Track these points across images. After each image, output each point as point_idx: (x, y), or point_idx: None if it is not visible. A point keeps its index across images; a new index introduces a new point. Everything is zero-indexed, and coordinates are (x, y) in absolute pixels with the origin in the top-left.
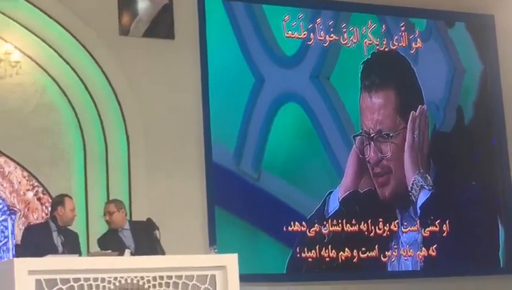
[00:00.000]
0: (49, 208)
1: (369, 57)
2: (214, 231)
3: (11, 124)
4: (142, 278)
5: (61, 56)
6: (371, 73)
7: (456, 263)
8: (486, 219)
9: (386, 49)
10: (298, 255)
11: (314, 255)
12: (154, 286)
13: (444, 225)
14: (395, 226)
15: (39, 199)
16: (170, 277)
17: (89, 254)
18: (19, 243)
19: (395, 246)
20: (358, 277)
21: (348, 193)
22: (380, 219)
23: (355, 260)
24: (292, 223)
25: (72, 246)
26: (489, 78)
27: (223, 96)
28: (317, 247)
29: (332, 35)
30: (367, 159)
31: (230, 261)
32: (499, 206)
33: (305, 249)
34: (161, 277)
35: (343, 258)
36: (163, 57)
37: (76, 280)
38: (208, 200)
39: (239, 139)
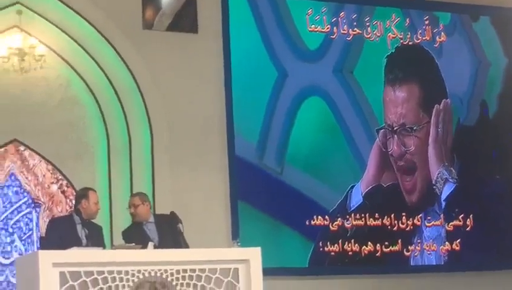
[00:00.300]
0: (73, 201)
1: (393, 51)
2: (236, 225)
3: (35, 118)
4: (166, 271)
5: (85, 50)
6: (395, 67)
7: (480, 257)
8: (510, 213)
9: (410, 43)
10: (321, 249)
11: (337, 249)
12: (177, 279)
13: (468, 219)
14: (419, 221)
15: (63, 192)
16: (193, 270)
17: (112, 246)
18: (43, 235)
19: (418, 241)
20: (381, 271)
21: (371, 187)
22: (403, 213)
23: (378, 254)
24: (315, 217)
25: (96, 239)
26: None
27: (246, 90)
28: (339, 241)
29: (355, 29)
30: (390, 152)
31: (254, 254)
32: None
33: (328, 243)
34: (184, 270)
35: (366, 252)
36: (187, 51)
37: (100, 272)
38: (230, 193)
39: (262, 133)
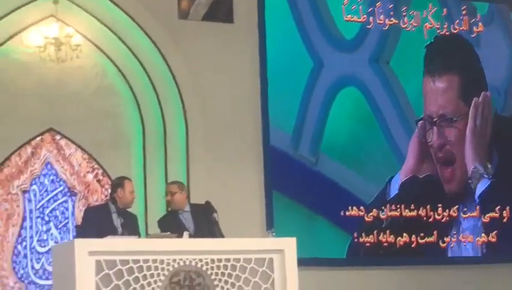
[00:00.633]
0: (109, 190)
1: (432, 40)
2: (271, 215)
3: (71, 107)
4: (201, 260)
5: (121, 39)
6: (434, 57)
7: None
8: None
9: (447, 33)
10: (356, 239)
11: (372, 240)
12: (212, 268)
13: (504, 211)
14: (455, 212)
15: (99, 181)
16: (228, 260)
17: (148, 235)
18: (79, 224)
19: (455, 232)
20: (416, 262)
21: (407, 177)
22: (440, 205)
23: (413, 245)
24: (350, 207)
25: (131, 227)
26: None
27: (282, 80)
28: (375, 232)
29: (392, 19)
30: (430, 143)
31: (289, 244)
32: None
33: (363, 234)
34: (219, 260)
35: (401, 243)
36: (222, 41)
37: (136, 261)
38: (265, 184)
39: (297, 123)
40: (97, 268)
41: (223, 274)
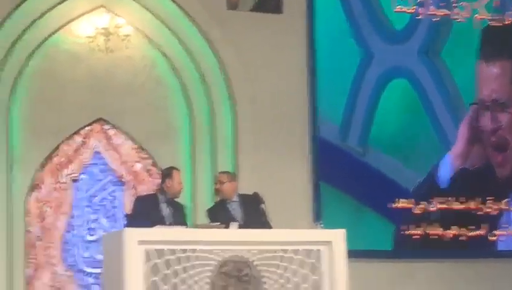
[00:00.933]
0: (157, 180)
1: (483, 30)
2: (319, 206)
3: (120, 97)
4: (249, 251)
5: (170, 30)
6: (489, 42)
7: None
8: None
9: (499, 24)
10: (403, 232)
11: (420, 233)
12: (259, 259)
13: None
14: (506, 205)
15: (147, 171)
16: (276, 251)
17: (196, 225)
18: (128, 213)
19: (505, 225)
20: (465, 255)
21: (457, 170)
22: (490, 197)
23: (462, 238)
24: (398, 199)
25: (179, 217)
26: None
27: (330, 71)
28: (423, 224)
29: (442, 9)
30: (482, 128)
31: (337, 236)
32: None
33: (411, 226)
34: (267, 251)
35: (449, 236)
36: (271, 32)
37: (184, 251)
38: (313, 175)
39: (345, 114)
40: (146, 257)
41: (270, 265)
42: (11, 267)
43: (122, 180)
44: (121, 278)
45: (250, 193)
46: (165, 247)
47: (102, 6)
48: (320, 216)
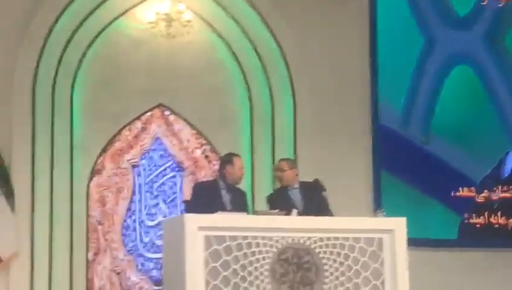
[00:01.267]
0: (216, 166)
1: None
2: (379, 194)
3: (181, 83)
4: (309, 238)
5: (230, 15)
6: None
7: None
8: None
9: None
10: (466, 221)
11: (483, 222)
12: (320, 246)
13: None
14: None
15: (207, 157)
16: (337, 239)
17: (255, 212)
18: (187, 199)
19: None
20: None
21: None
22: None
23: None
24: (461, 188)
25: (240, 204)
26: None
27: (392, 56)
28: (486, 213)
29: None
30: None
31: (399, 225)
32: None
33: (474, 215)
34: (328, 238)
35: None
36: (332, 17)
37: (244, 237)
38: (373, 163)
39: (407, 101)
40: (206, 243)
41: (331, 253)
42: (72, 251)
43: (182, 166)
44: (182, 264)
45: (309, 179)
46: (226, 233)
47: None
48: (380, 204)
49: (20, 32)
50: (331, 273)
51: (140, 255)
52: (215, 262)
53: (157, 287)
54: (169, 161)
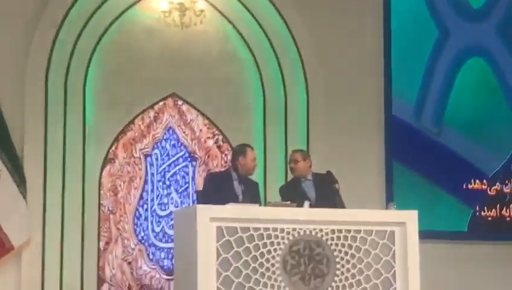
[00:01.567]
0: (229, 157)
1: None
2: (391, 187)
3: (194, 73)
4: (321, 230)
5: (244, 5)
6: None
7: None
8: None
9: None
10: (477, 213)
11: (495, 215)
12: (332, 238)
13: None
14: None
15: (219, 147)
16: (349, 231)
17: (268, 203)
18: (199, 189)
19: None
20: None
21: None
22: None
23: None
24: (472, 181)
25: (252, 195)
26: None
27: (405, 48)
28: (497, 206)
29: None
30: None
31: (410, 217)
32: None
33: (485, 208)
34: (340, 231)
35: None
36: (346, 7)
37: (256, 229)
38: (386, 154)
39: (420, 93)
40: (218, 234)
41: (343, 245)
42: (83, 240)
43: (194, 156)
44: (193, 254)
45: (322, 171)
46: (238, 225)
47: None
48: (392, 197)
49: (33, 22)
50: (343, 266)
51: (152, 245)
52: (227, 253)
53: (169, 277)
54: (181, 150)
